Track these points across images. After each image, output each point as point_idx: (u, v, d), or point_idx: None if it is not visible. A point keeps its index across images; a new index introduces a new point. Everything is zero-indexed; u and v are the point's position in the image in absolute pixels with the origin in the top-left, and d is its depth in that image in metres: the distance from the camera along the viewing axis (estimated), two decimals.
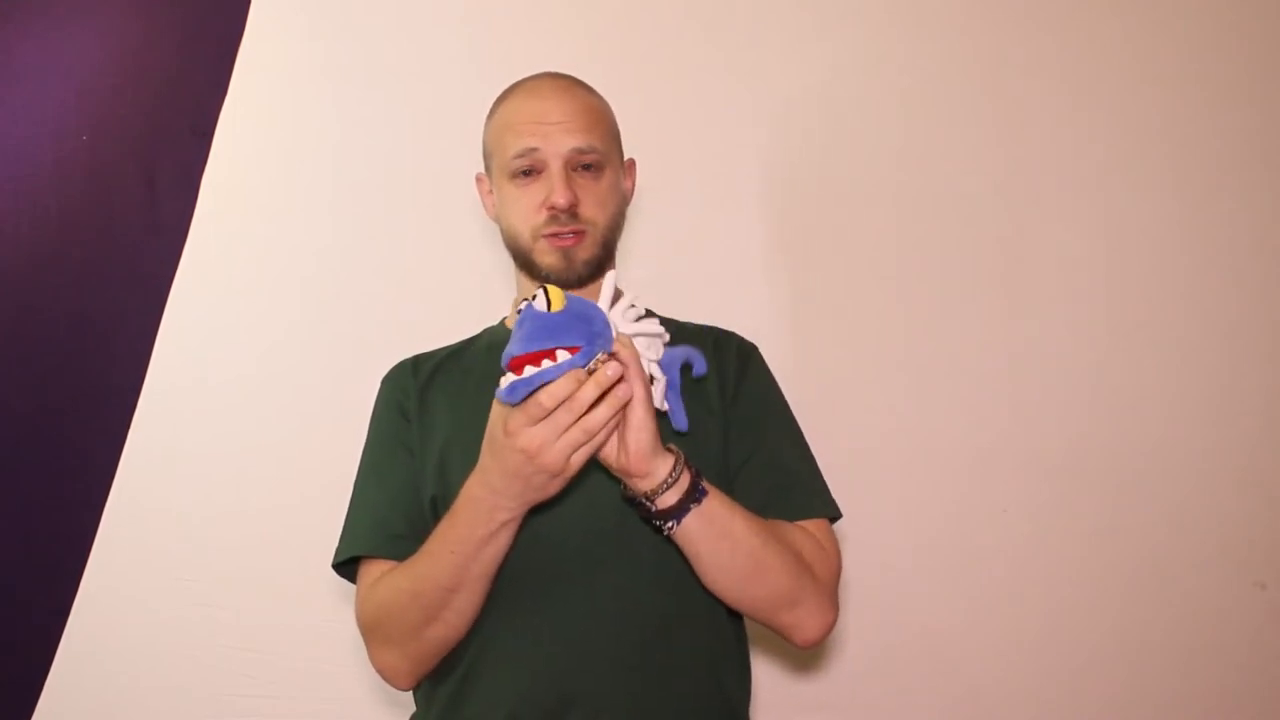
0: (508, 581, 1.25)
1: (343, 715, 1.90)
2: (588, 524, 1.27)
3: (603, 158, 1.33)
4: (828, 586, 1.29)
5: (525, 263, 1.36)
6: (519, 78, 1.39)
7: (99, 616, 1.90)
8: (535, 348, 1.07)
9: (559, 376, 1.07)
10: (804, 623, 1.27)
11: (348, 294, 1.96)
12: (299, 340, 1.95)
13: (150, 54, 1.94)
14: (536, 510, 1.21)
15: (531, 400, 1.09)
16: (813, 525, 1.31)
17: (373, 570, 1.33)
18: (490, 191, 1.41)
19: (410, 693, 1.36)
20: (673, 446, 1.17)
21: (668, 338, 1.19)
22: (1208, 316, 2.08)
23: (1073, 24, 2.09)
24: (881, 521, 1.92)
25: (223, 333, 1.94)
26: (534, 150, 1.31)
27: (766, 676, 1.92)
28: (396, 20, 1.99)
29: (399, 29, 1.98)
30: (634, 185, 1.43)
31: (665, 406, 1.18)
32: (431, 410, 1.36)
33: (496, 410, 1.14)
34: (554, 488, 1.15)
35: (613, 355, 1.09)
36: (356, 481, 1.38)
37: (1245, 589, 2.06)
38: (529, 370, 1.07)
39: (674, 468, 1.15)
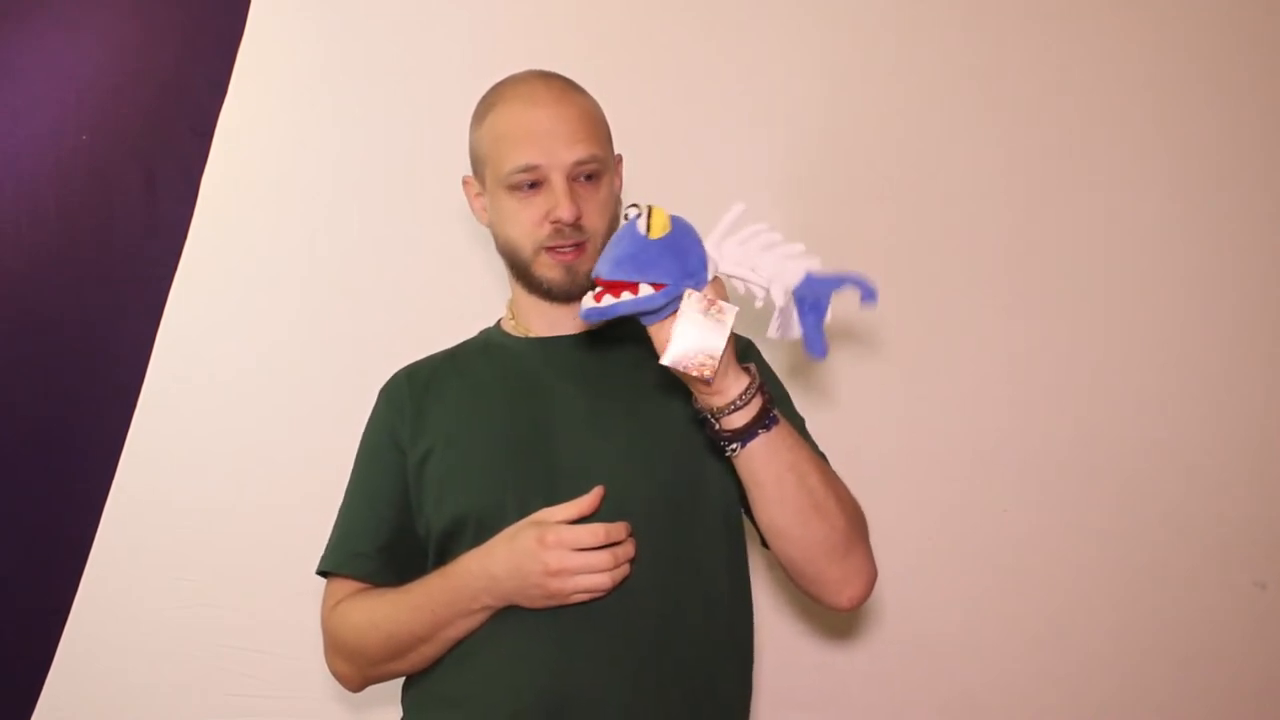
0: None
1: (342, 715, 1.90)
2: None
3: (602, 165, 1.33)
4: (869, 542, 1.29)
5: (523, 274, 1.36)
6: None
7: (99, 616, 1.90)
8: (621, 276, 1.05)
9: (634, 312, 1.06)
10: (854, 577, 1.25)
11: (347, 294, 1.96)
12: (299, 340, 1.95)
13: (150, 54, 1.94)
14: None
15: (580, 531, 1.15)
16: None
17: (338, 586, 1.37)
18: (480, 194, 1.40)
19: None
20: (751, 368, 1.17)
21: (815, 263, 1.13)
22: (1208, 316, 2.08)
23: (1074, 24, 2.09)
24: (881, 521, 1.91)
25: (222, 332, 1.94)
26: (536, 167, 1.29)
27: (765, 675, 1.92)
28: (396, 20, 1.99)
29: (399, 29, 1.98)
30: (621, 182, 1.43)
31: (796, 335, 1.13)
32: (429, 418, 1.36)
33: (540, 515, 1.20)
34: (539, 605, 1.20)
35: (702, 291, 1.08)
36: (344, 495, 1.42)
37: (1245, 589, 2.06)
38: (608, 300, 1.06)
39: (747, 389, 1.14)
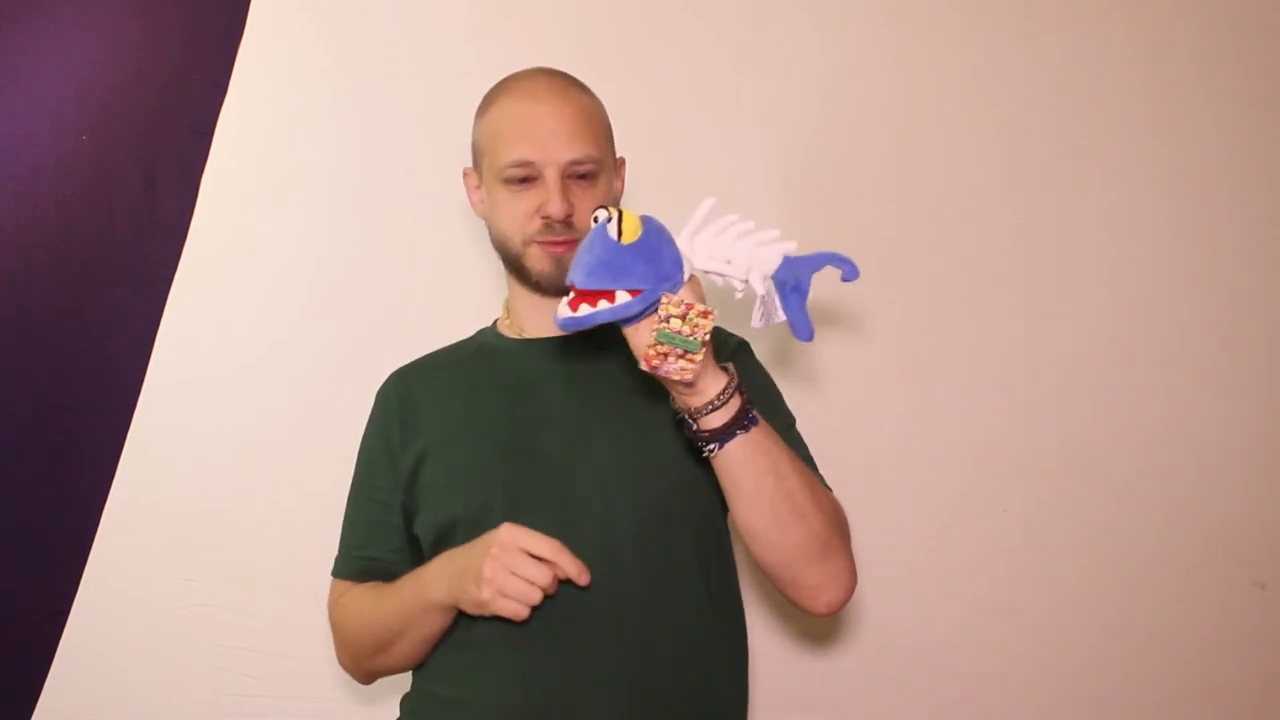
0: None
1: (342, 715, 1.90)
2: (582, 540, 1.27)
3: (598, 166, 1.32)
4: (850, 546, 1.28)
5: (514, 266, 1.37)
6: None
7: (99, 616, 1.90)
8: (595, 285, 1.04)
9: (612, 320, 1.05)
10: (831, 583, 1.24)
11: (348, 294, 1.96)
12: (299, 340, 1.95)
13: (150, 54, 1.94)
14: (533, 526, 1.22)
15: (539, 542, 1.15)
16: None
17: (342, 581, 1.41)
18: (478, 187, 1.40)
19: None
20: (729, 367, 1.16)
21: (791, 246, 1.12)
22: (1208, 316, 2.08)
23: (1074, 24, 2.09)
24: (881, 521, 1.92)
25: (223, 332, 1.94)
26: (530, 163, 1.30)
27: (764, 676, 1.92)
28: (396, 20, 1.99)
29: (399, 29, 1.98)
30: (623, 184, 1.43)
31: (780, 319, 1.12)
32: (421, 421, 1.37)
33: (515, 531, 1.19)
34: (471, 610, 1.20)
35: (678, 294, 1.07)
36: (347, 498, 1.44)
37: (1245, 589, 2.06)
38: (584, 309, 1.04)
39: (725, 389, 1.13)
